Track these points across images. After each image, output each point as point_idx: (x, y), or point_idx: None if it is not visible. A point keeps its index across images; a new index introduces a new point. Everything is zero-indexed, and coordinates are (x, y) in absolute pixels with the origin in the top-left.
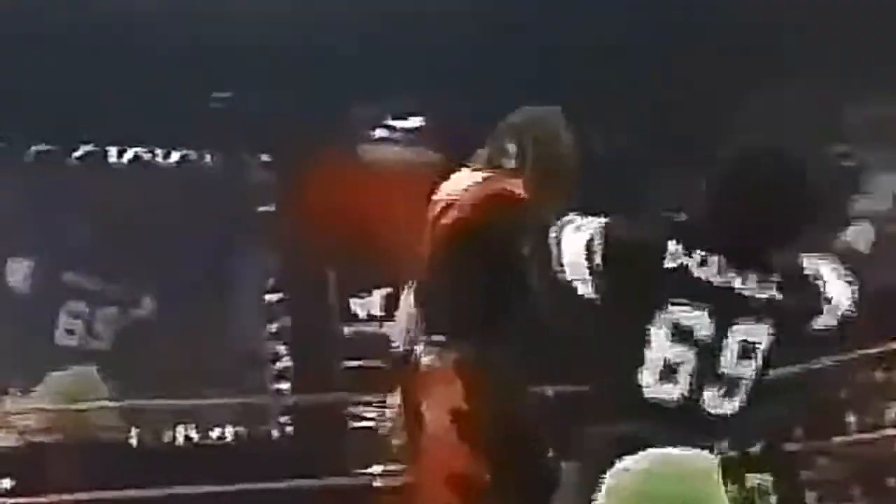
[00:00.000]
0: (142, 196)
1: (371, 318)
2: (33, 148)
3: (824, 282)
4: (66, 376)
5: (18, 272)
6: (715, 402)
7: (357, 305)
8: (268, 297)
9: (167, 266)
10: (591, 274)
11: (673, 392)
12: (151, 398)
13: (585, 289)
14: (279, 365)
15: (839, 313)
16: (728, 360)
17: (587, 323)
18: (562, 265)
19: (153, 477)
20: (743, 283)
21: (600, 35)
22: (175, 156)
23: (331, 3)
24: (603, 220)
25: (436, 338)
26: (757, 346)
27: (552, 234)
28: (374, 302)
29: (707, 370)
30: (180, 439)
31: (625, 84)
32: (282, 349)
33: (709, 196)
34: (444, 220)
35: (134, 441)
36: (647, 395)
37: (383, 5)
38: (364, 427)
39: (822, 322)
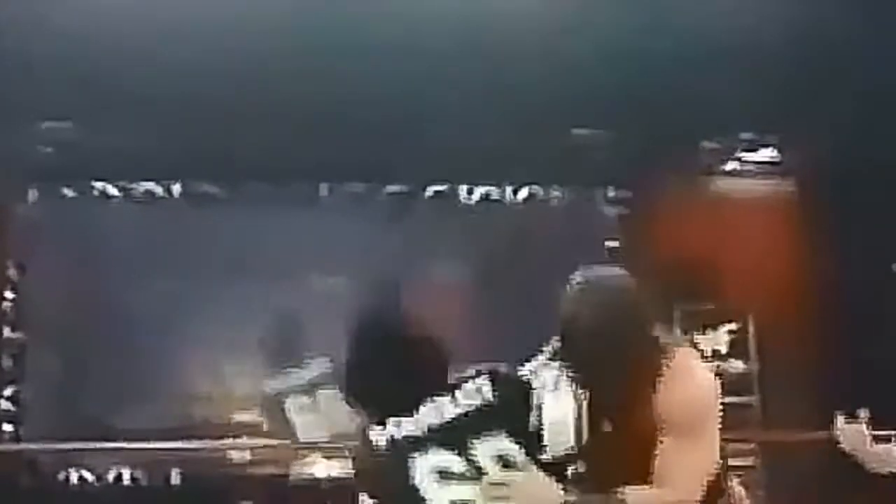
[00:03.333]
0: (489, 234)
1: (716, 354)
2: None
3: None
4: None
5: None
6: None
7: (702, 341)
8: None
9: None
10: None
11: None
12: None
13: None
14: None
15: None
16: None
17: None
18: None
19: None
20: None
21: None
22: (523, 193)
23: (681, 38)
24: None
25: None
26: (511, 455)
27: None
28: (720, 338)
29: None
30: None
31: None
32: None
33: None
34: None
35: None
36: None
37: (735, 41)
38: None
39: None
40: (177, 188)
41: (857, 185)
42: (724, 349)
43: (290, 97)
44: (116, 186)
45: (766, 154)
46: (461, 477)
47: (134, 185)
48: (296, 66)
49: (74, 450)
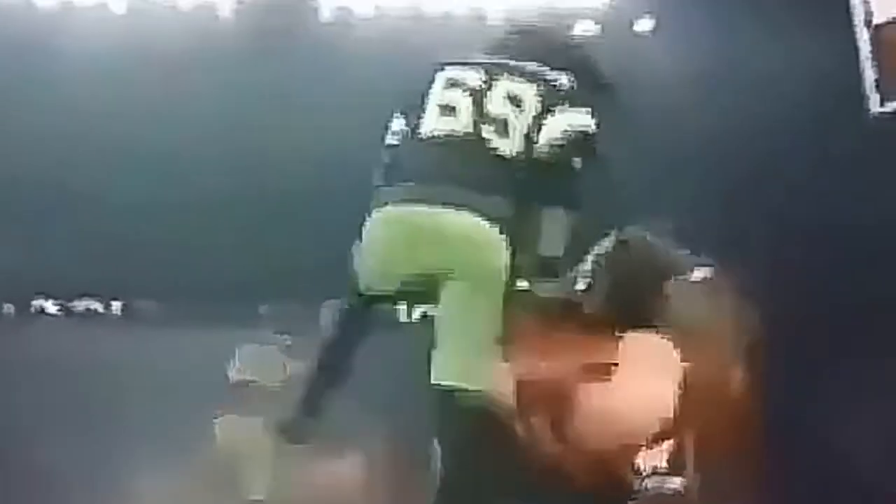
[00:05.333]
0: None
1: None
2: None
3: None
4: None
5: None
6: (492, 137)
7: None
8: None
9: None
10: None
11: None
12: None
13: None
14: None
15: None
16: (495, 104)
17: None
18: None
19: None
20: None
21: None
22: None
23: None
24: None
25: None
26: (521, 99)
27: None
28: (656, 453)
29: (480, 112)
30: None
31: None
32: None
33: None
34: None
35: None
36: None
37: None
38: None
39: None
40: (117, 306)
41: (799, 313)
42: (661, 464)
43: (234, 218)
44: (56, 304)
45: (702, 275)
46: (464, 89)
47: (73, 303)
48: (237, 188)
49: None
